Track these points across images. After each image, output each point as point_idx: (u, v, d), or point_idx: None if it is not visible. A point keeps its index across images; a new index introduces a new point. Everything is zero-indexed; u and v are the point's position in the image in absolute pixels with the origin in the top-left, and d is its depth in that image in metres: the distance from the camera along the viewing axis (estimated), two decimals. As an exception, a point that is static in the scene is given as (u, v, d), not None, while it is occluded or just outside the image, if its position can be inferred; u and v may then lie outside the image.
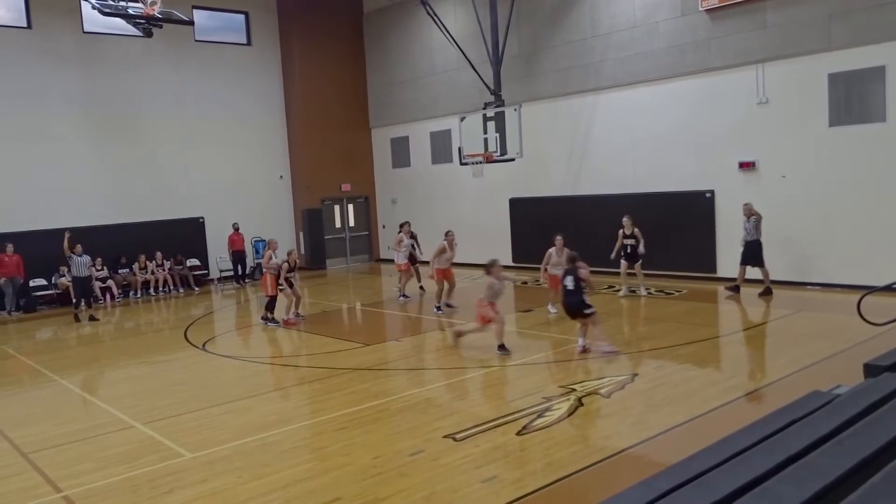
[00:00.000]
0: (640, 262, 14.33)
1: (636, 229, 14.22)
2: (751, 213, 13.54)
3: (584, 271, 9.79)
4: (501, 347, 10.01)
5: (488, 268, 10.26)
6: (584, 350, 9.76)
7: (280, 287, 13.47)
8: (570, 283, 9.72)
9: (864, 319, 4.93)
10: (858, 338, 8.96)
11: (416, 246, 16.12)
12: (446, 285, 13.81)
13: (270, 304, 13.59)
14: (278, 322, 13.50)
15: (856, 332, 8.64)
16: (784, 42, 14.09)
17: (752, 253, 13.56)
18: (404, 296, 15.70)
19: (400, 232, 15.84)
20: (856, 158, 13.42)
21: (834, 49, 13.47)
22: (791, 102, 14.19)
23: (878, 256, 13.02)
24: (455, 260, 14.32)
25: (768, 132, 14.54)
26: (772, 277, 13.68)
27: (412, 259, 16.11)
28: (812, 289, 13.84)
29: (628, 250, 14.30)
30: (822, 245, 14.00)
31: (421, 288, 15.88)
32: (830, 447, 3.40)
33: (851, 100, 13.45)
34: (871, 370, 5.04)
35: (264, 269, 13.69)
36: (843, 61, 13.40)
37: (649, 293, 14.42)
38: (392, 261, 17.29)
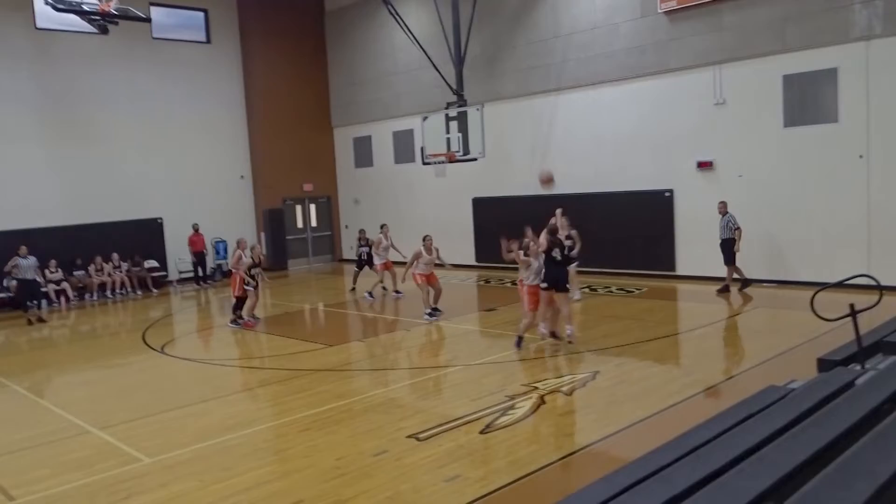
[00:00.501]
0: (576, 264, 14.24)
1: (574, 231, 14.16)
2: (724, 212, 13.79)
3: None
4: (519, 340, 10.11)
5: (524, 249, 10.25)
6: (552, 335, 9.89)
7: (246, 285, 13.24)
8: (557, 254, 9.88)
9: (818, 315, 5.04)
10: (812, 333, 9.18)
11: (370, 252, 16.19)
12: (431, 290, 13.44)
13: (237, 306, 13.40)
14: (241, 323, 13.31)
15: (810, 327, 8.84)
16: (740, 44, 14.37)
17: (725, 251, 13.83)
18: (369, 294, 15.64)
19: (379, 234, 15.98)
20: (809, 158, 13.75)
21: (788, 51, 13.80)
22: (747, 103, 14.48)
23: (831, 253, 13.37)
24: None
25: (726, 132, 14.82)
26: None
27: (370, 262, 16.25)
28: (768, 286, 14.15)
29: (565, 252, 14.13)
30: (777, 243, 14.33)
31: (396, 291, 15.75)
32: (786, 440, 3.47)
33: (805, 101, 13.78)
34: (824, 365, 5.15)
35: (233, 270, 13.45)
36: (798, 63, 13.72)
37: (584, 292, 14.35)
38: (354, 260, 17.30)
